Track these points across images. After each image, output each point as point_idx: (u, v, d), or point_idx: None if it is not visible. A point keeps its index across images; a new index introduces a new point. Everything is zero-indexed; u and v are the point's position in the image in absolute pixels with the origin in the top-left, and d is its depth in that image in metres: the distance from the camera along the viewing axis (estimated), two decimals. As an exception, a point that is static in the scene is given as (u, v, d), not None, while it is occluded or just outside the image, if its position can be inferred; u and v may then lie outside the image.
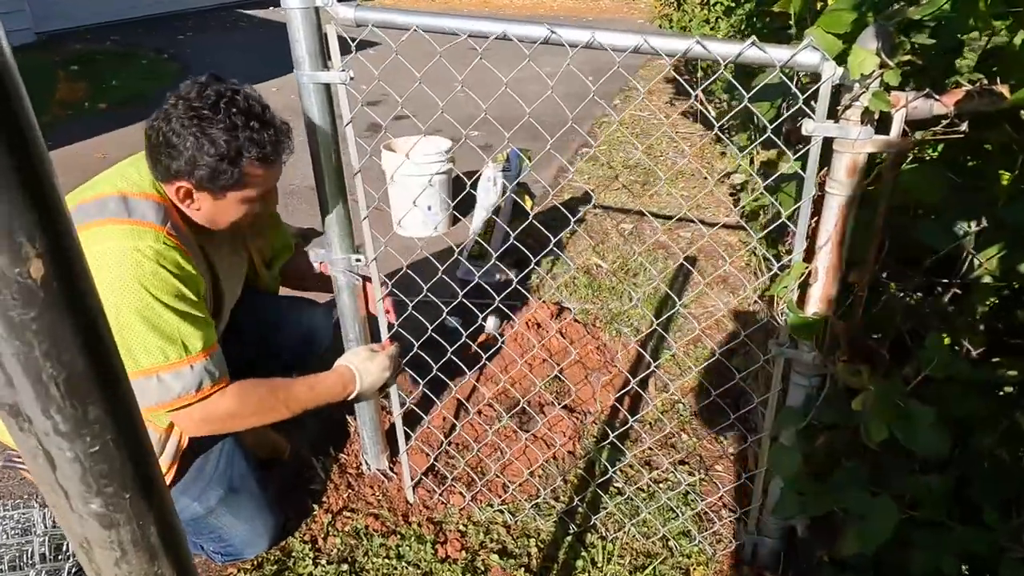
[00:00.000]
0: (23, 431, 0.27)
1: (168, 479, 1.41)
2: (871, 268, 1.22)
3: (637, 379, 2.15)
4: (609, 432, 1.77)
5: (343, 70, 1.30)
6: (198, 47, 7.31)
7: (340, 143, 1.40)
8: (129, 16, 8.64)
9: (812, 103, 1.12)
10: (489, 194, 2.52)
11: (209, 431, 1.37)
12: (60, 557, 1.38)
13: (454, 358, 1.59)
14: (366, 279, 1.52)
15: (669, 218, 3.37)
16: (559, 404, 2.05)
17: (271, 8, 9.60)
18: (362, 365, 1.52)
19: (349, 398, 1.51)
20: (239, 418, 1.38)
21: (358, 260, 1.49)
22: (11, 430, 0.30)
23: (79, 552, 0.33)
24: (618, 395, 2.12)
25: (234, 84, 1.28)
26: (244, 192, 1.30)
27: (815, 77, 1.12)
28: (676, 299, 2.57)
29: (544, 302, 2.52)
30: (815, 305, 1.24)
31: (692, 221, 3.25)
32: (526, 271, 2.49)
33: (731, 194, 3.61)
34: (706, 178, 3.80)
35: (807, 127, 1.13)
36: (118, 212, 1.22)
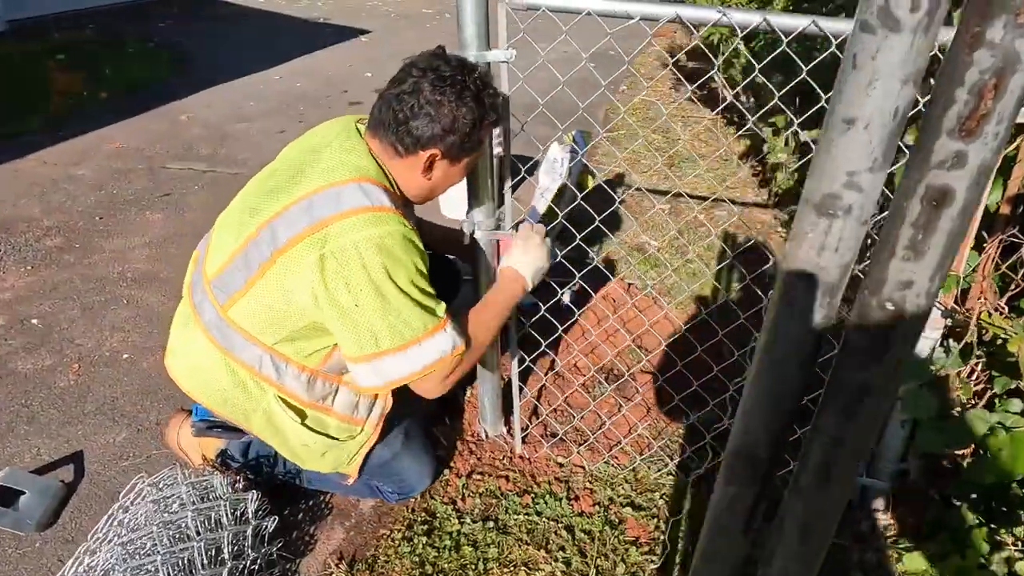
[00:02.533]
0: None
1: (375, 438, 1.48)
2: (1003, 228, 1.35)
3: (706, 344, 2.27)
4: (700, 392, 1.87)
5: (508, 48, 1.38)
6: (184, 35, 7.15)
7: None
8: (104, 3, 8.38)
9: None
10: (554, 174, 2.60)
11: (451, 384, 1.41)
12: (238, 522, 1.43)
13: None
14: (501, 241, 1.61)
15: (702, 198, 3.51)
16: (643, 370, 2.17)
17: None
18: (521, 260, 1.53)
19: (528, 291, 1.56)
20: (476, 354, 1.43)
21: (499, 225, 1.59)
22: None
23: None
24: (695, 359, 2.24)
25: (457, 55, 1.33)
26: (472, 156, 1.38)
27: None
28: (729, 273, 2.70)
29: (611, 278, 2.62)
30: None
31: (724, 200, 3.39)
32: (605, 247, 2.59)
33: (754, 174, 3.77)
34: (726, 159, 3.95)
35: (957, 99, 1.25)
36: (359, 200, 1.26)
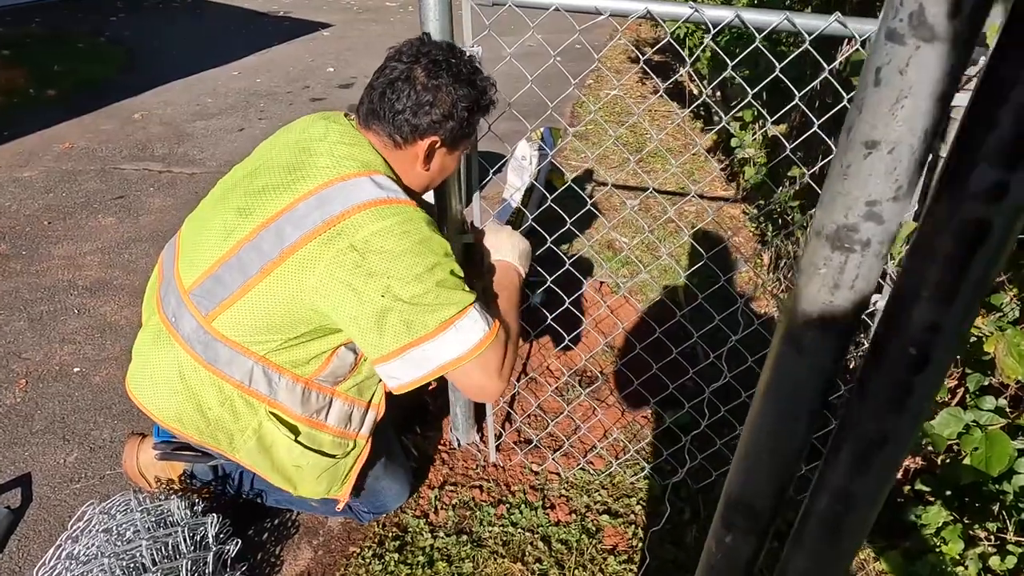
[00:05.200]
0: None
1: (368, 451, 1.41)
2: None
3: (682, 347, 2.25)
4: (676, 395, 1.85)
5: (473, 46, 1.32)
6: (136, 29, 6.91)
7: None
8: (51, -4, 8.07)
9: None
10: (523, 173, 2.54)
11: (507, 377, 1.26)
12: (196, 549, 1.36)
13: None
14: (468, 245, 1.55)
15: (671, 193, 3.50)
16: (617, 372, 2.14)
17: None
18: (503, 250, 1.46)
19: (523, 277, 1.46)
20: (513, 342, 1.30)
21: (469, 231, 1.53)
22: None
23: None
24: (670, 361, 2.21)
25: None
26: (466, 143, 1.32)
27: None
28: (701, 270, 2.69)
29: (583, 279, 2.59)
30: (923, 260, 1.36)
31: (694, 196, 3.39)
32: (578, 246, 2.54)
33: (722, 168, 3.77)
34: (694, 154, 3.94)
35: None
36: (374, 193, 1.17)
